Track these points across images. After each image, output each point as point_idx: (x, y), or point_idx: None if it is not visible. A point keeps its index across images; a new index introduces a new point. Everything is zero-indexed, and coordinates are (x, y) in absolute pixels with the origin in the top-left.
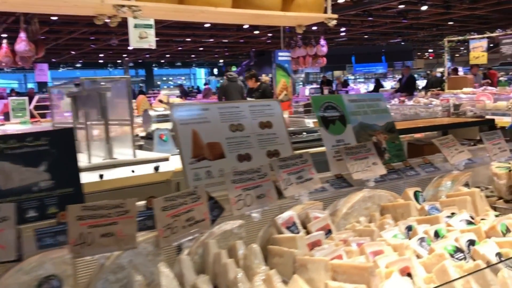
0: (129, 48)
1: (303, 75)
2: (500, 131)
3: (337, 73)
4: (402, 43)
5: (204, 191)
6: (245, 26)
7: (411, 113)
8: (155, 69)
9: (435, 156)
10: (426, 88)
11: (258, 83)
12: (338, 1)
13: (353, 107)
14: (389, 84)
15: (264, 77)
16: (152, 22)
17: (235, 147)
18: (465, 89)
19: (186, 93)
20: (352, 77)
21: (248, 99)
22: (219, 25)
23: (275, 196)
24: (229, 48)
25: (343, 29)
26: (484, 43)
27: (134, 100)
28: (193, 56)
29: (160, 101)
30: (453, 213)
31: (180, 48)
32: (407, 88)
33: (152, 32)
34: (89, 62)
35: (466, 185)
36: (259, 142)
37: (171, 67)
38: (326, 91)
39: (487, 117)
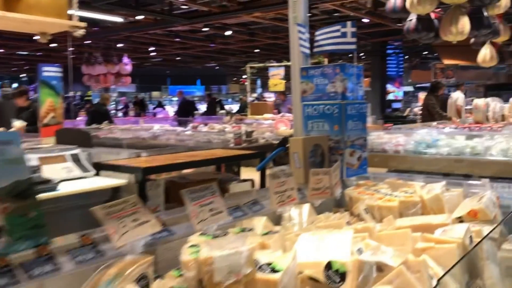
0: None
1: (115, 94)
2: (215, 184)
3: (155, 93)
4: (217, 68)
5: None
6: (36, 37)
7: (204, 140)
8: None
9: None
10: (238, 112)
11: (29, 101)
12: (136, 17)
13: None
14: (204, 107)
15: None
16: None
17: None
18: (265, 115)
19: None
20: (175, 99)
21: (16, 120)
22: (5, 34)
23: None
24: (28, 61)
25: (152, 48)
26: (281, 71)
27: None
28: None
29: None
30: None
31: None
32: (182, 112)
33: None
34: None
35: (143, 278)
36: None
37: None
38: (131, 113)
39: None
